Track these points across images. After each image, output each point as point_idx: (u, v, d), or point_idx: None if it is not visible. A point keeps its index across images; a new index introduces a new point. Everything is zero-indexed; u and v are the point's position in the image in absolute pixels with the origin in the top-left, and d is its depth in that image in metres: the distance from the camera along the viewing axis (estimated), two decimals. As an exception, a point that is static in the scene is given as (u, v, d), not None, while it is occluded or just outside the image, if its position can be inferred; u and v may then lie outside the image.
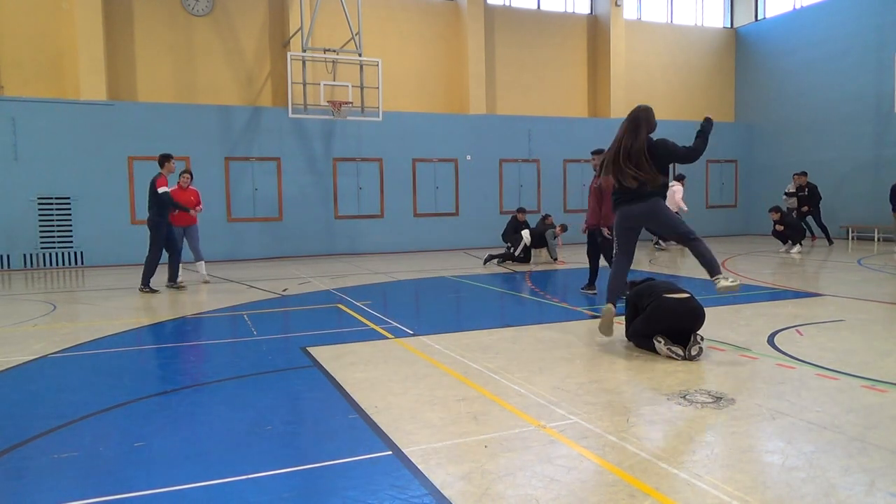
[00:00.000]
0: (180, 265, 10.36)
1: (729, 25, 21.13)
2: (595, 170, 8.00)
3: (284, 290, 9.71)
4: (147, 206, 9.90)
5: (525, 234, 12.97)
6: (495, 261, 12.78)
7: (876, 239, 16.50)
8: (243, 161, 15.10)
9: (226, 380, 4.90)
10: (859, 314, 6.93)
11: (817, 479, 2.95)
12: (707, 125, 5.78)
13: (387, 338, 6.22)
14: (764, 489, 2.87)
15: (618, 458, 3.23)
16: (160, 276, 10.30)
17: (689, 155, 5.69)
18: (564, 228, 13.99)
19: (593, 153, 8.60)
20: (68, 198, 13.75)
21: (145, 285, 9.75)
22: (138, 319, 7.53)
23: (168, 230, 10.02)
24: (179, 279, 10.28)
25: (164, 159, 9.96)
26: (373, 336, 6.31)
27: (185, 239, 10.59)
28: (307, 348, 5.77)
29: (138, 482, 3.07)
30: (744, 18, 20.82)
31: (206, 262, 11.34)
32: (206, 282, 10.75)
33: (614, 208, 5.94)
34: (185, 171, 10.76)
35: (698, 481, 2.95)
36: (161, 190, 9.63)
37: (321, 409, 4.20)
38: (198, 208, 10.56)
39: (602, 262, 8.62)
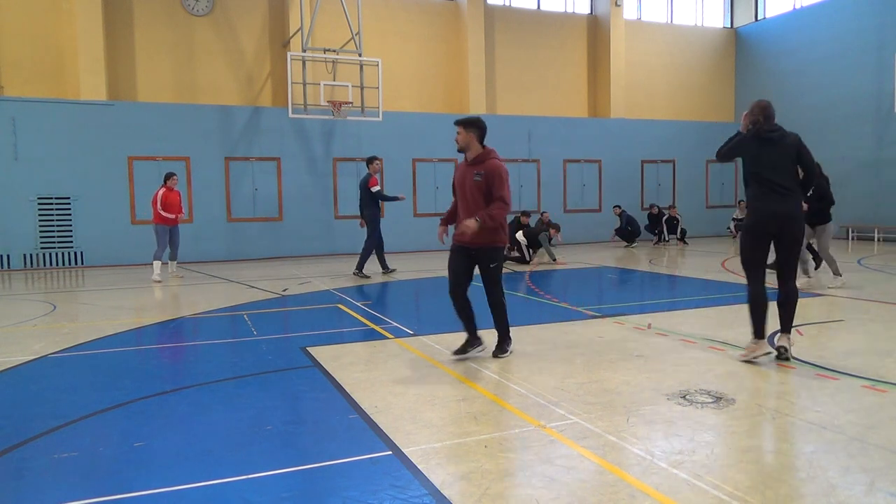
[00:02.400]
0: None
1: (729, 25, 21.13)
2: None
3: (284, 290, 9.71)
4: (361, 204, 11.24)
5: (519, 235, 13.01)
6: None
7: (876, 239, 16.50)
8: (243, 161, 15.09)
9: (226, 380, 4.89)
10: (859, 314, 6.93)
11: (817, 479, 2.95)
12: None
13: (387, 338, 6.22)
14: (764, 489, 2.87)
15: (618, 458, 3.23)
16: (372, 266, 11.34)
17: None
18: (558, 228, 14.02)
19: None
20: (68, 198, 13.74)
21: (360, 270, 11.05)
22: (138, 319, 7.53)
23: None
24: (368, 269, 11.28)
25: (371, 160, 11.23)
26: (373, 336, 6.31)
27: (169, 237, 11.34)
28: (307, 348, 5.77)
29: (138, 482, 3.07)
30: (744, 18, 20.81)
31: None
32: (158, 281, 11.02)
33: None
34: (174, 174, 11.55)
35: (698, 481, 2.95)
36: (374, 189, 11.01)
37: (321, 409, 4.20)
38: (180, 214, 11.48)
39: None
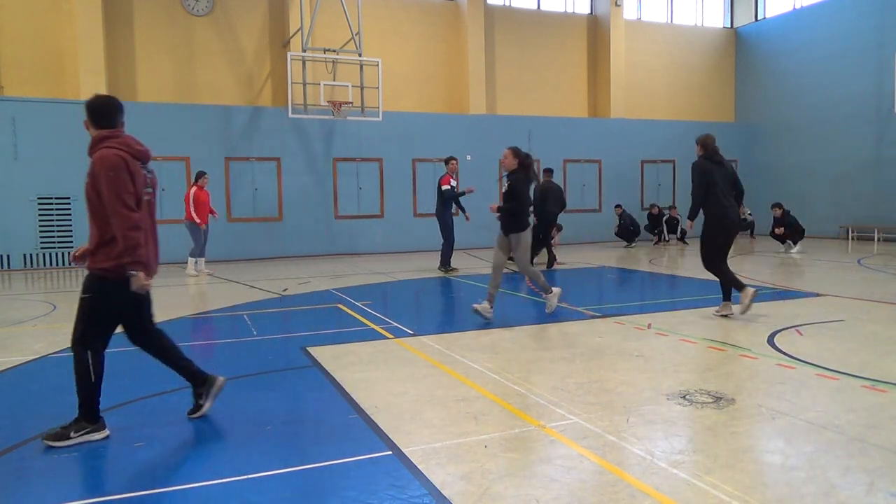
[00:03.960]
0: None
1: (729, 25, 21.13)
2: None
3: (284, 290, 9.71)
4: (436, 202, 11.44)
5: None
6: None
7: (876, 239, 16.50)
8: (243, 161, 15.09)
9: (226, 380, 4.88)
10: (859, 314, 6.93)
11: (817, 479, 2.95)
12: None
13: (387, 338, 6.22)
14: (764, 489, 2.87)
15: (618, 458, 3.23)
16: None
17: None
18: (559, 229, 14.02)
19: None
20: (68, 198, 13.74)
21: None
22: (138, 319, 7.52)
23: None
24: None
25: (448, 161, 11.48)
26: (373, 336, 6.30)
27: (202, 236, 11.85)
28: (307, 348, 5.77)
29: (138, 482, 3.07)
30: (744, 18, 20.82)
31: (206, 260, 12.09)
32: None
33: None
34: (205, 173, 12.09)
35: (698, 481, 2.95)
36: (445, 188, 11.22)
37: (321, 409, 4.20)
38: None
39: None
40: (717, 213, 6.65)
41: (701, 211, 6.90)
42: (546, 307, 7.26)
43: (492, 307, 6.87)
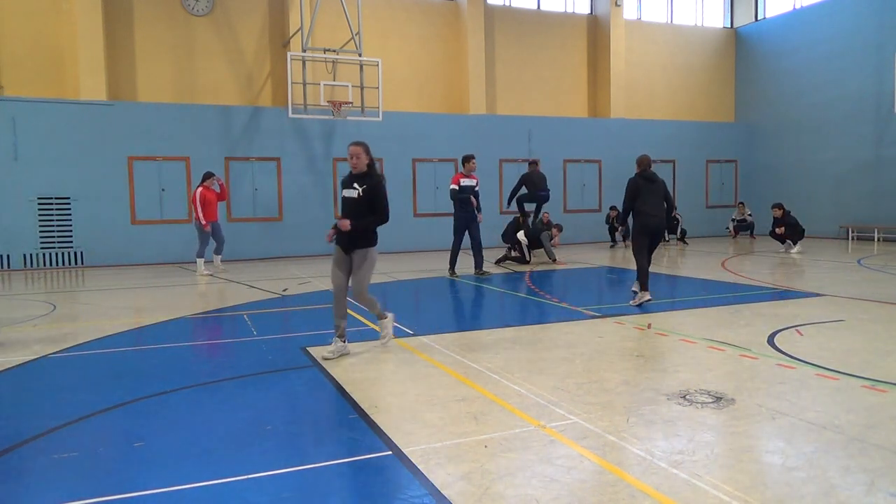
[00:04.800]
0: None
1: (729, 25, 21.12)
2: None
3: (284, 290, 9.71)
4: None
5: (520, 235, 13.03)
6: (505, 256, 13.04)
7: (876, 239, 16.50)
8: (243, 161, 15.09)
9: (226, 380, 4.89)
10: (859, 314, 6.93)
11: (817, 479, 2.95)
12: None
13: (387, 338, 6.21)
14: (764, 489, 2.87)
15: (618, 458, 3.23)
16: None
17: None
18: (560, 229, 14.02)
19: None
20: (68, 198, 13.74)
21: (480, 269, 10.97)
22: (138, 319, 7.53)
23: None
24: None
25: (467, 159, 10.84)
26: (373, 336, 6.30)
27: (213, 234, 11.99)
28: (307, 348, 5.77)
29: (138, 482, 3.07)
30: (744, 18, 20.81)
31: (205, 260, 12.08)
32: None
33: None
34: (212, 174, 12.18)
35: (698, 481, 2.95)
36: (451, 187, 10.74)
37: (321, 409, 4.20)
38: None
39: None
40: (642, 221, 7.89)
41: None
42: (381, 337, 5.86)
43: (345, 342, 5.49)
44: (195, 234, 12.04)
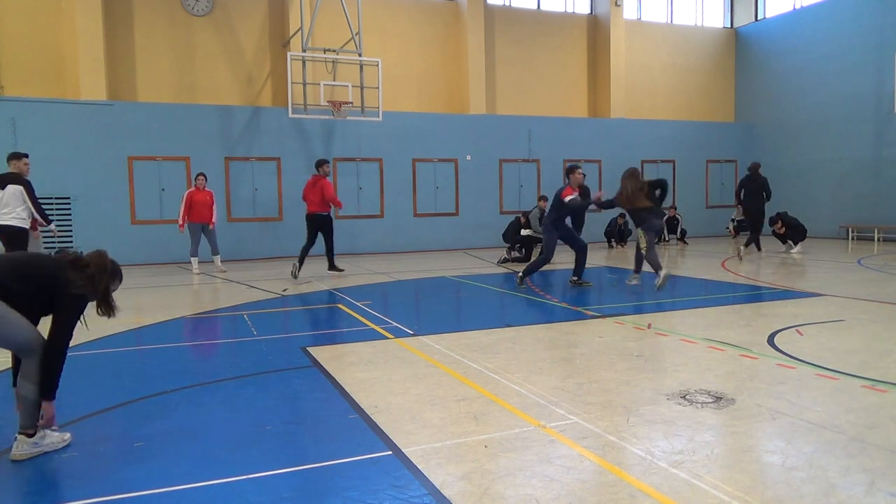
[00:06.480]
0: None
1: (729, 25, 21.12)
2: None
3: (284, 290, 9.71)
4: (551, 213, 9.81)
5: (527, 232, 13.15)
6: (505, 258, 13.09)
7: (876, 239, 16.50)
8: (243, 161, 15.09)
9: (226, 380, 4.89)
10: (859, 314, 6.93)
11: (817, 479, 2.95)
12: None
13: (387, 338, 6.22)
14: (764, 489, 2.87)
15: (618, 458, 3.23)
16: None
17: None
18: None
19: None
20: (68, 198, 13.74)
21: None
22: (138, 319, 7.53)
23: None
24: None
25: (571, 170, 9.63)
26: (373, 336, 6.30)
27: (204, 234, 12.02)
28: (307, 348, 5.77)
29: (138, 482, 3.07)
30: (744, 18, 20.82)
31: (205, 261, 12.33)
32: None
33: None
34: (200, 174, 12.15)
35: (698, 481, 2.95)
36: (568, 199, 9.39)
37: (321, 409, 4.20)
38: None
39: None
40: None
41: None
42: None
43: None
44: (184, 235, 12.21)
